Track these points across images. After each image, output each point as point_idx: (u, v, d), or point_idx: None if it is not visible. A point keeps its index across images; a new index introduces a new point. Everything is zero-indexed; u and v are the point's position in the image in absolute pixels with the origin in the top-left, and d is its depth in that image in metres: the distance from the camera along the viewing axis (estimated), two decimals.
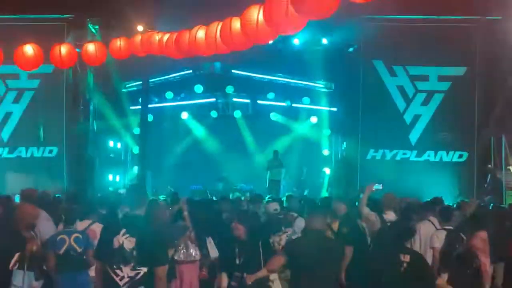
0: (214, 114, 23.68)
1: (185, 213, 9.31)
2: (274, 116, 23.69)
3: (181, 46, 11.39)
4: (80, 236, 8.72)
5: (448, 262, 8.19)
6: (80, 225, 9.23)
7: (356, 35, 18.87)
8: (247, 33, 8.93)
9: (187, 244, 9.11)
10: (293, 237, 9.21)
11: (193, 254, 9.13)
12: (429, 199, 12.29)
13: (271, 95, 22.86)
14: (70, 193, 13.97)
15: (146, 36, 13.00)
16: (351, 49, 19.59)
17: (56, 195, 13.37)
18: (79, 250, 8.64)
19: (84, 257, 8.63)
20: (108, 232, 6.73)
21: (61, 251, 8.60)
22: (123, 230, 6.50)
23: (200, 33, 10.76)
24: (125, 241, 6.46)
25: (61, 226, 9.21)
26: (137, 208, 6.75)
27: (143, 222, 6.73)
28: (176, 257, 9.01)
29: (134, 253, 6.44)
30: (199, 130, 24.44)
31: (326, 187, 21.95)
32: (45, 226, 9.02)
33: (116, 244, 6.47)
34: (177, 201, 10.77)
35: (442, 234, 9.08)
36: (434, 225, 9.74)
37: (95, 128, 20.36)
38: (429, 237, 9.39)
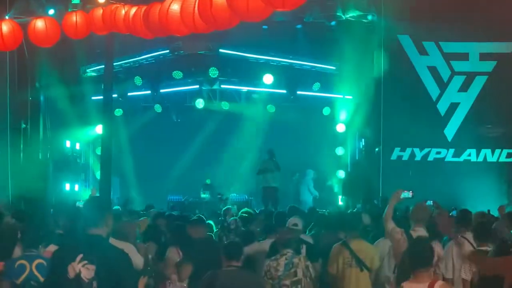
0: (198, 104, 23.64)
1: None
2: (271, 108, 23.69)
3: (150, 23, 11.32)
4: (45, 263, 8.63)
5: None
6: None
7: (376, 3, 18.93)
8: (233, 8, 8.84)
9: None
10: (295, 259, 9.36)
11: None
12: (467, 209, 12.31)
13: (268, 79, 22.78)
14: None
15: (109, 10, 13.01)
16: (369, 19, 19.48)
17: None
18: (41, 279, 8.53)
19: None
20: (60, 258, 6.70)
21: (19, 281, 8.60)
22: (80, 256, 6.46)
23: (174, 6, 10.72)
24: (83, 269, 6.47)
25: (18, 250, 9.17)
26: (97, 227, 6.75)
27: (105, 244, 6.76)
28: None
29: (94, 284, 6.47)
30: (176, 125, 24.42)
31: (340, 195, 21.99)
32: None
33: (71, 273, 6.46)
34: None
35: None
36: (470, 243, 9.72)
37: (48, 124, 20.40)
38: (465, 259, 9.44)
